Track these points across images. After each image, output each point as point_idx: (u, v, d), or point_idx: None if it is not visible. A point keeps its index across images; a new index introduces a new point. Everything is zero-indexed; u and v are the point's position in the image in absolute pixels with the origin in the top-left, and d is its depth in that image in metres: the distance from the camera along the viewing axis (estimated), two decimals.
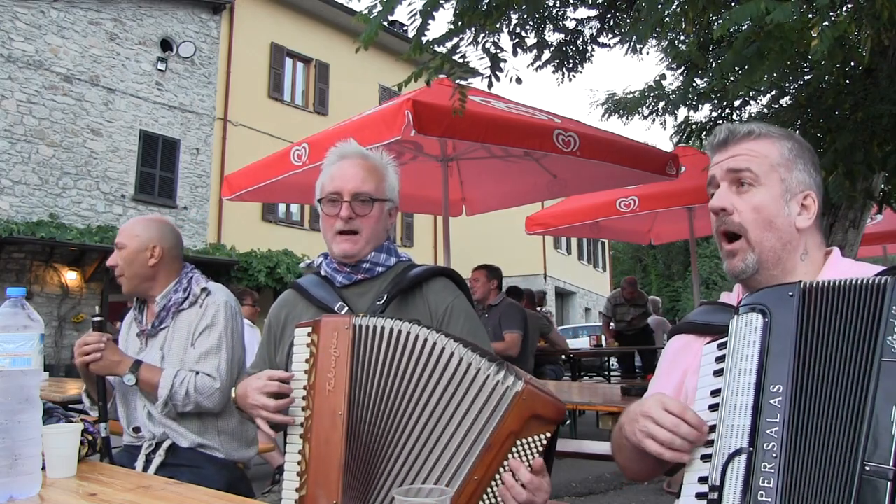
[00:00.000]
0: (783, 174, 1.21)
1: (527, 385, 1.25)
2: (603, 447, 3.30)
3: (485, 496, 1.25)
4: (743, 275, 1.22)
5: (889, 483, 0.88)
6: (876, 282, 1.00)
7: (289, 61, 16.92)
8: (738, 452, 1.00)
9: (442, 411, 1.28)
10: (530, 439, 1.25)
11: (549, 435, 1.26)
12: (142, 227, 2.27)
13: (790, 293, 1.07)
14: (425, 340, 1.31)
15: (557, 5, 4.05)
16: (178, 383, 2.03)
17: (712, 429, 1.07)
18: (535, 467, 1.23)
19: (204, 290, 2.21)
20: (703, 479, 1.05)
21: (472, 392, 1.26)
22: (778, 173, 1.21)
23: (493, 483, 1.25)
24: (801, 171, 1.23)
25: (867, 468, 0.90)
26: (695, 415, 1.08)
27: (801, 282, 1.08)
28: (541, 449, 1.25)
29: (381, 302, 1.56)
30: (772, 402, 1.01)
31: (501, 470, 1.25)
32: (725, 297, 1.33)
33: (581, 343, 14.61)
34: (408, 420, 1.30)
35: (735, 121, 4.55)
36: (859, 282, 1.02)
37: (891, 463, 0.89)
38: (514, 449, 1.25)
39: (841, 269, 1.19)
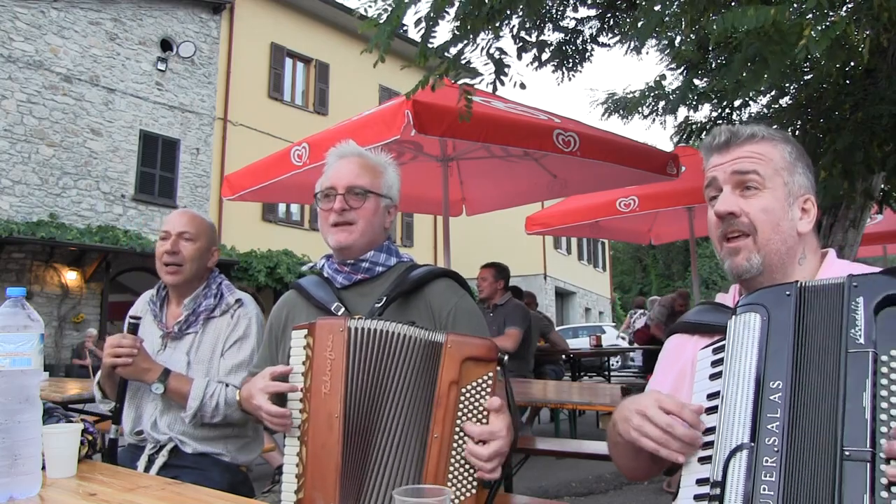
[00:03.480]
0: (786, 178, 1.21)
1: (449, 335, 1.33)
2: (603, 447, 3.30)
3: (453, 452, 1.30)
4: (746, 274, 1.21)
5: (867, 464, 0.92)
6: (840, 281, 1.06)
7: (289, 61, 16.93)
8: (739, 448, 1.01)
9: (412, 394, 1.33)
10: (474, 384, 1.31)
11: (490, 374, 1.32)
12: (207, 226, 2.22)
13: (787, 293, 1.09)
14: (413, 339, 1.34)
15: (557, 5, 4.05)
16: (208, 395, 1.99)
17: (710, 430, 1.07)
18: (491, 408, 1.30)
19: (238, 301, 2.18)
20: (700, 482, 1.06)
21: (416, 361, 1.34)
22: (781, 177, 1.21)
23: (456, 437, 1.31)
24: (801, 174, 1.23)
25: (847, 453, 0.94)
26: (691, 413, 1.08)
27: (797, 281, 1.10)
28: (488, 390, 1.31)
29: (380, 304, 1.55)
30: (772, 397, 1.03)
31: (458, 423, 1.31)
32: (721, 298, 1.33)
33: (581, 343, 14.62)
34: (390, 414, 1.33)
35: (735, 121, 4.56)
36: (831, 282, 1.07)
37: (867, 445, 0.93)
38: (461, 398, 1.31)
39: (835, 270, 1.20)
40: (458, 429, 1.31)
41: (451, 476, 1.30)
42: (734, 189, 1.22)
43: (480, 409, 1.31)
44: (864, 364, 0.98)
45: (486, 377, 1.31)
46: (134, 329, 2.05)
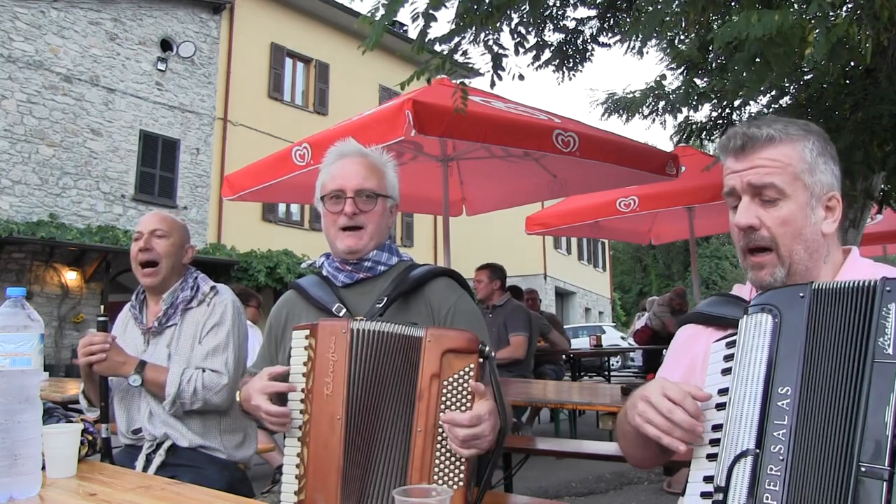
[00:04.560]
0: (807, 180, 1.16)
1: (429, 329, 1.34)
2: (603, 447, 3.30)
3: (438, 445, 1.30)
4: (770, 287, 1.17)
5: (884, 483, 0.89)
6: (868, 284, 1.00)
7: (289, 61, 16.92)
8: (744, 454, 1.00)
9: (400, 391, 1.34)
10: (455, 376, 1.31)
11: (472, 366, 1.31)
12: (178, 224, 2.28)
13: (801, 294, 1.06)
14: (400, 336, 1.36)
15: (557, 5, 4.05)
16: (185, 381, 2.03)
17: (718, 427, 1.06)
18: (476, 392, 1.29)
19: (213, 288, 2.23)
20: (708, 479, 1.05)
21: (400, 357, 1.35)
22: (802, 181, 1.16)
23: (440, 430, 1.30)
24: (823, 171, 1.18)
25: (863, 469, 0.91)
26: (693, 402, 1.07)
27: (811, 283, 1.07)
28: (471, 381, 1.31)
29: (381, 305, 1.55)
30: (780, 403, 1.00)
31: (441, 416, 1.30)
32: (738, 290, 1.31)
33: (581, 343, 14.60)
34: (386, 414, 1.34)
35: (735, 121, 4.55)
36: (855, 284, 1.02)
37: (885, 463, 0.90)
38: (444, 391, 1.31)
39: (860, 269, 1.18)
40: (440, 422, 1.30)
41: (436, 469, 1.30)
42: (753, 199, 1.17)
43: (463, 400, 1.31)
44: (890, 376, 0.93)
45: (467, 369, 1.31)
46: (103, 326, 2.09)
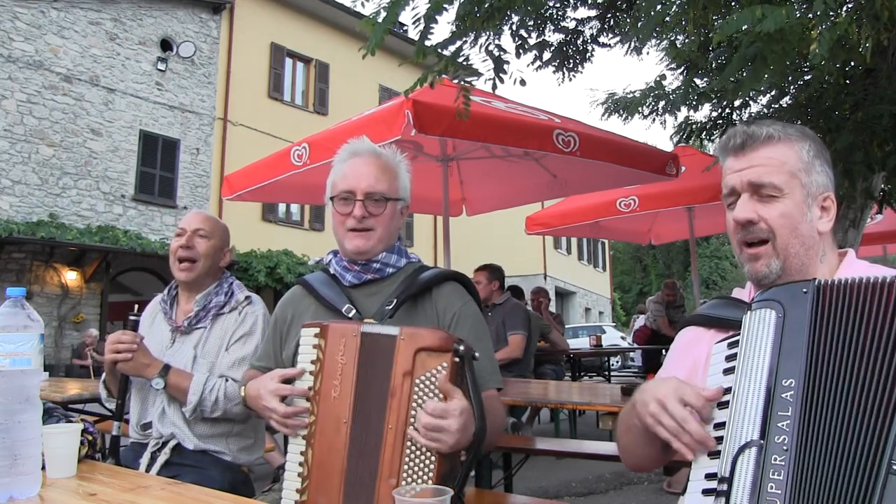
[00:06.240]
0: (804, 179, 1.20)
1: (403, 328, 1.34)
2: (603, 447, 3.30)
3: (408, 442, 1.29)
4: (766, 279, 1.20)
5: None
6: (893, 279, 1.00)
7: (289, 61, 16.93)
8: (748, 445, 1.00)
9: (382, 391, 1.33)
10: (427, 374, 1.30)
11: (445, 365, 1.29)
12: (221, 226, 2.28)
13: (804, 290, 1.07)
14: (388, 337, 1.34)
15: (557, 5, 4.05)
16: (208, 390, 2.02)
17: (721, 425, 1.07)
18: (442, 390, 1.28)
19: (247, 298, 2.22)
20: (709, 476, 1.06)
21: (381, 356, 1.34)
22: (799, 179, 1.19)
23: (410, 428, 1.29)
24: (819, 172, 1.21)
25: (895, 466, 0.90)
26: (710, 411, 1.08)
27: (815, 279, 1.08)
28: (441, 380, 1.29)
29: (391, 307, 1.54)
30: (784, 395, 1.01)
31: (412, 413, 1.29)
32: (738, 293, 1.32)
33: (581, 343, 14.60)
34: (373, 414, 1.33)
35: (735, 121, 4.55)
36: (878, 279, 1.02)
37: None
38: (415, 389, 1.30)
39: (856, 270, 1.19)
40: (411, 419, 1.29)
41: (405, 467, 1.29)
42: (752, 196, 1.20)
43: (434, 399, 1.29)
44: None
45: (439, 367, 1.30)
46: (134, 326, 2.08)
